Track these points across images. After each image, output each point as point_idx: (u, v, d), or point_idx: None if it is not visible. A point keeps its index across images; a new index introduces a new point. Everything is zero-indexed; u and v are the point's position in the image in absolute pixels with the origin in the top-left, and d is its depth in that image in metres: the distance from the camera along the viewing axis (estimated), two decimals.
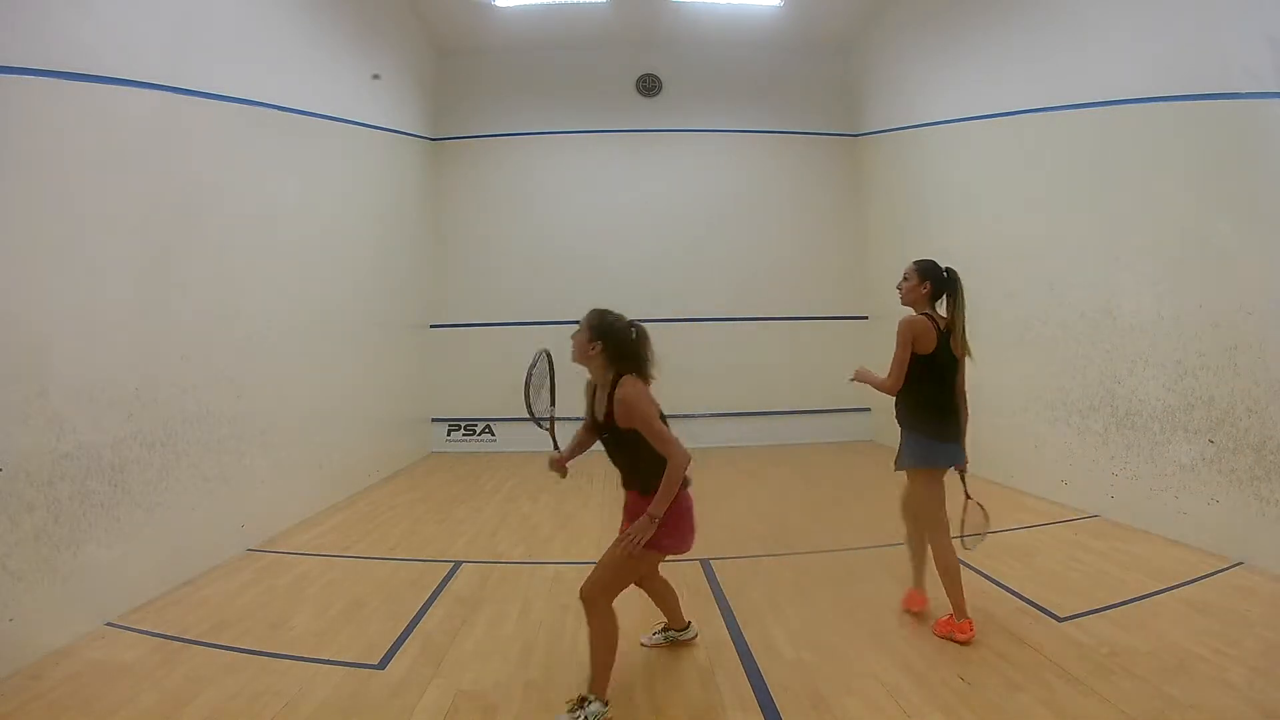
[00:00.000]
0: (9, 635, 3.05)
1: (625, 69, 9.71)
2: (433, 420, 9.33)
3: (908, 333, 3.29)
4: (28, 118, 3.30)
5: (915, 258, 3.48)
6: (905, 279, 3.44)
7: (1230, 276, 4.24)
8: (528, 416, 3.10)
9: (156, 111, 4.13)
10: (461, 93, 9.60)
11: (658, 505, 2.65)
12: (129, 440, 3.85)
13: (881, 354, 3.48)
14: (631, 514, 2.88)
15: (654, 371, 2.88)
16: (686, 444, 2.70)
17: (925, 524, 3.41)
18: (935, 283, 3.39)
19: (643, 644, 3.28)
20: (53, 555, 3.31)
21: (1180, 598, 3.62)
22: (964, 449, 3.42)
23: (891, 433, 3.53)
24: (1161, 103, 4.62)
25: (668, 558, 2.91)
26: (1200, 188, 4.42)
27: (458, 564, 4.55)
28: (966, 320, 3.36)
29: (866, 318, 9.33)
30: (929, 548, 3.41)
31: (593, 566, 2.82)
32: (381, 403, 7.69)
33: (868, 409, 9.14)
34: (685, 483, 2.77)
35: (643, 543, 2.68)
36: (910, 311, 3.41)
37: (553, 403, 3.17)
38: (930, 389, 3.32)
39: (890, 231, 8.77)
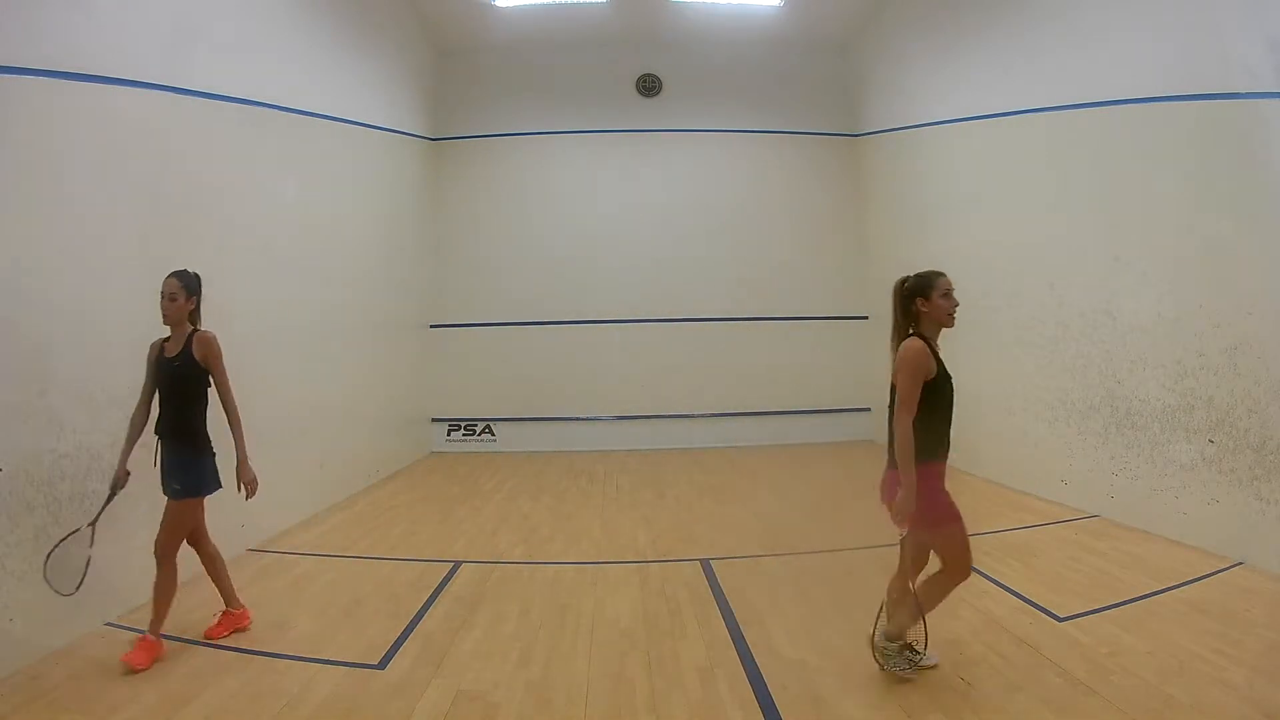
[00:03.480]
0: (9, 635, 3.05)
1: (625, 69, 9.70)
2: (432, 420, 9.32)
3: (216, 348, 3.47)
4: (27, 118, 3.30)
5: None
6: (172, 298, 3.34)
7: (1230, 276, 4.23)
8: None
9: (155, 111, 4.13)
10: (461, 93, 9.59)
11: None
12: None
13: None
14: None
15: None
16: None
17: (164, 547, 3.40)
18: (198, 295, 3.48)
19: None
20: None
21: (1180, 598, 3.62)
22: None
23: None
24: (1161, 103, 4.62)
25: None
26: (1200, 188, 4.42)
27: (458, 564, 4.55)
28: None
29: (866, 318, 9.32)
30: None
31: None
32: (381, 403, 7.68)
33: (868, 409, 9.14)
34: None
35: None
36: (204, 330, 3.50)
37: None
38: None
39: (890, 231, 8.76)
